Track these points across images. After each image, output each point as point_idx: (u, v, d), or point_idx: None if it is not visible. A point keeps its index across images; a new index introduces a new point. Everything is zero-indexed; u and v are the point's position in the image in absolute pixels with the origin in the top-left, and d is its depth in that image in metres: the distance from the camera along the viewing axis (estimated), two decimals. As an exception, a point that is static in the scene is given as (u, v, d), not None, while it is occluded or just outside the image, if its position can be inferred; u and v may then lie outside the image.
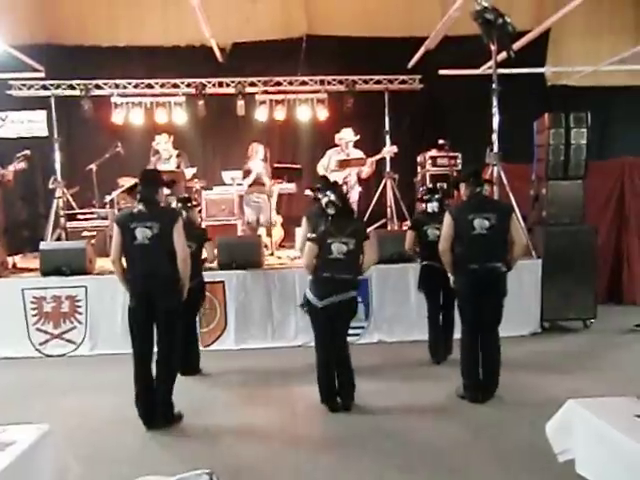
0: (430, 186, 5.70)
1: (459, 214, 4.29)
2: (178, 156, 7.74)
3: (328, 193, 4.15)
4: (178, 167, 7.58)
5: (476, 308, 4.27)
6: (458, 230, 4.26)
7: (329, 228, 4.10)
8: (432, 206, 5.21)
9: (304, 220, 4.94)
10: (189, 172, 7.77)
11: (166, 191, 6.96)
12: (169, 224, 3.82)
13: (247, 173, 7.51)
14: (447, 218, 4.33)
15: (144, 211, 3.84)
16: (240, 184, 7.77)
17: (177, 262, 3.85)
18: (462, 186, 4.42)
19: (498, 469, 3.25)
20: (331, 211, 4.12)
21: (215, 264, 5.94)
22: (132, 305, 3.92)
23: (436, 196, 5.26)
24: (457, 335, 4.78)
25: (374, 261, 4.32)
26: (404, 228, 7.80)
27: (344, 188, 7.33)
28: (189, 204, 5.12)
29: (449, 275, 4.45)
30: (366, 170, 7.56)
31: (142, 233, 3.79)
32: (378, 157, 7.84)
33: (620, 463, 2.25)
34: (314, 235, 4.18)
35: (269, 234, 7.41)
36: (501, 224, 4.21)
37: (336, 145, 7.62)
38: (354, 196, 7.51)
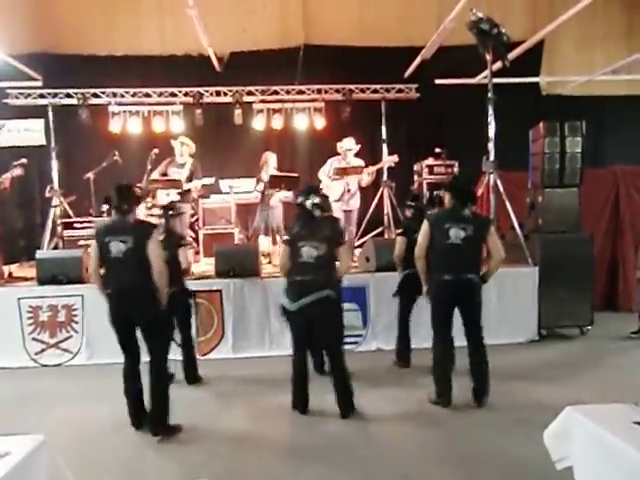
0: (416, 192, 5.86)
1: (436, 221, 4.31)
2: (193, 164, 7.64)
3: (311, 196, 4.13)
4: (191, 175, 7.45)
5: (448, 319, 4.29)
6: (433, 238, 4.28)
7: (301, 231, 4.11)
8: (411, 211, 5.42)
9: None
10: (201, 183, 7.66)
11: (176, 197, 7.07)
12: (144, 238, 3.83)
13: (259, 182, 7.50)
14: (425, 225, 4.35)
15: (118, 225, 3.91)
16: (249, 191, 7.82)
17: (153, 275, 3.83)
18: (447, 194, 4.40)
19: (495, 478, 3.24)
20: (318, 213, 4.12)
21: (213, 272, 5.93)
22: (110, 319, 3.94)
23: (413, 203, 5.45)
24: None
25: (349, 268, 4.27)
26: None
27: (345, 196, 7.37)
28: (170, 212, 5.14)
29: (423, 283, 4.45)
30: (366, 179, 7.55)
31: (116, 247, 3.83)
32: (378, 167, 7.86)
33: (618, 470, 2.24)
34: (287, 237, 4.22)
35: (274, 243, 7.39)
36: (477, 236, 4.21)
37: (338, 153, 7.64)
38: (355, 204, 7.51)
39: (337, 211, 7.45)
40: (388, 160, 8.06)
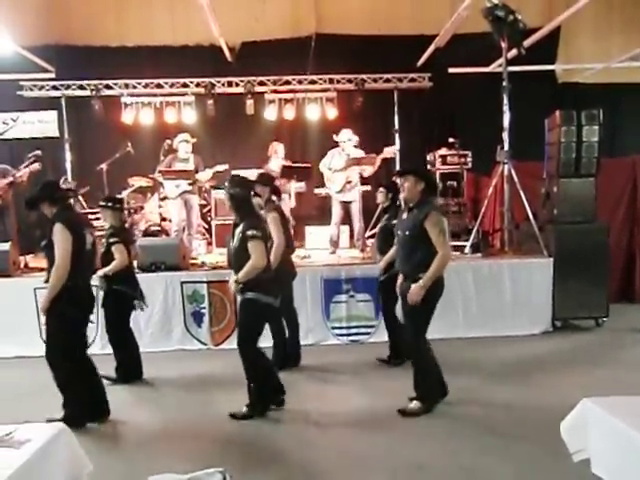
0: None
1: None
2: (196, 158, 7.59)
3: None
4: (196, 169, 7.39)
5: None
6: None
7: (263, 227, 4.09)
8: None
9: None
10: (214, 170, 7.64)
11: (188, 188, 7.08)
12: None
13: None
14: (444, 219, 3.94)
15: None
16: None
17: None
18: (420, 184, 3.94)
19: (509, 468, 3.22)
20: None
21: (225, 263, 5.94)
22: None
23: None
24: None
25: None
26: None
27: (346, 187, 7.29)
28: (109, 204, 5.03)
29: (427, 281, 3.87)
30: (369, 169, 7.47)
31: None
32: (380, 157, 7.75)
33: (636, 462, 2.22)
34: (259, 233, 3.92)
35: None
36: None
37: (337, 145, 7.55)
38: (355, 196, 7.35)
39: (336, 203, 7.42)
40: (389, 151, 7.75)
